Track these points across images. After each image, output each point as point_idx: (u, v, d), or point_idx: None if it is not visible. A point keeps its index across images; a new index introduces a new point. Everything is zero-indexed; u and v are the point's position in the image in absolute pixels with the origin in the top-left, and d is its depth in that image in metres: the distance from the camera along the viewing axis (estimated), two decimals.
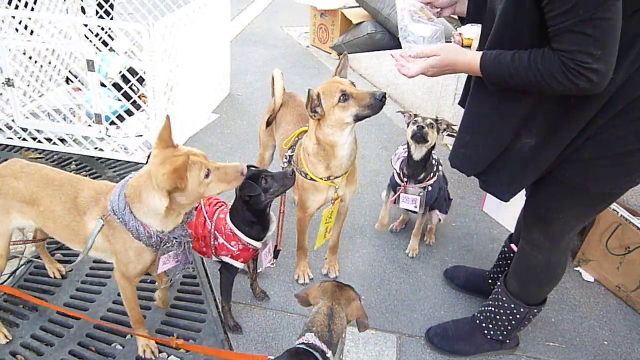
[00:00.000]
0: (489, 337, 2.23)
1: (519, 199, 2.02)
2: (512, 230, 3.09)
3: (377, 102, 2.03)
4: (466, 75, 1.84)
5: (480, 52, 1.59)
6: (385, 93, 2.04)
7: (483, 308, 2.26)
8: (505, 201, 1.87)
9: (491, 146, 1.75)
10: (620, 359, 2.32)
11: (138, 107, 3.49)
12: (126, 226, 1.79)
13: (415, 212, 2.74)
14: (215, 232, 2.10)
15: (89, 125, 3.34)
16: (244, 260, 2.13)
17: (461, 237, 3.06)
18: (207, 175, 1.73)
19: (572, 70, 1.39)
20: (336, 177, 2.27)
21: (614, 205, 2.61)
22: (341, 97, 2.05)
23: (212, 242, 2.11)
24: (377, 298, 2.56)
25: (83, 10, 4.48)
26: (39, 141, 3.48)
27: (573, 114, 1.58)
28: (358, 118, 2.08)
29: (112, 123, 3.60)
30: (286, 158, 2.44)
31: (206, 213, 2.14)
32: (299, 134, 2.44)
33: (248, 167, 1.93)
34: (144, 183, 1.74)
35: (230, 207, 2.13)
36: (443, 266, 2.79)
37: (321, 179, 2.26)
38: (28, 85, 3.66)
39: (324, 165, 2.23)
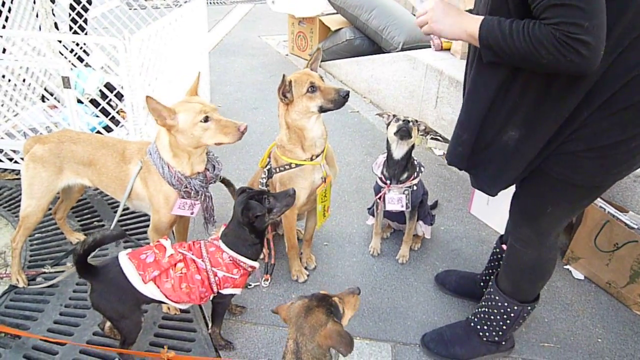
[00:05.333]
0: (484, 339, 2.21)
1: (506, 200, 2.01)
2: (500, 231, 3.09)
3: (341, 99, 2.23)
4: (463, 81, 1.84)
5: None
6: (348, 92, 2.24)
7: (477, 310, 2.24)
8: (493, 196, 1.89)
9: (478, 140, 1.76)
10: (615, 355, 2.32)
11: (117, 123, 3.42)
12: (155, 165, 2.13)
13: (402, 211, 2.70)
14: (213, 268, 1.98)
15: None
16: (243, 285, 2.09)
17: (450, 240, 3.05)
18: (205, 120, 2.01)
19: (562, 41, 1.35)
20: (317, 156, 2.38)
21: (601, 203, 2.62)
22: (310, 88, 2.23)
23: (213, 280, 1.99)
24: (370, 307, 2.52)
25: (56, 26, 4.39)
26: (16, 162, 3.39)
27: (554, 105, 1.58)
28: (322, 109, 2.27)
29: None
30: (264, 174, 2.48)
31: (193, 255, 2.00)
32: (269, 152, 2.52)
33: (247, 189, 2.04)
34: None
35: (224, 237, 2.05)
36: (433, 271, 2.77)
37: (304, 160, 2.36)
38: (2, 105, 3.57)
39: (300, 148, 2.36)
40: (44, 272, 2.56)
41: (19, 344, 2.18)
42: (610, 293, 2.66)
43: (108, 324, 2.19)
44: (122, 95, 3.03)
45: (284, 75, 2.24)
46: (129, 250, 1.97)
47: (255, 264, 2.07)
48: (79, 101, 3.19)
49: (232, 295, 2.10)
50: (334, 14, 5.64)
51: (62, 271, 2.50)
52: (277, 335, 2.32)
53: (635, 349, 2.35)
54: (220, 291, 2.02)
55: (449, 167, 3.76)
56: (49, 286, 2.45)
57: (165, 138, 2.10)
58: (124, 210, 2.39)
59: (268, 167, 2.49)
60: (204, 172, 2.21)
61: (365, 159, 3.89)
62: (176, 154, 2.11)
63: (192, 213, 2.25)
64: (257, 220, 2.00)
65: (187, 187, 2.16)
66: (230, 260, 2.00)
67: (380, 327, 2.41)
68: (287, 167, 2.38)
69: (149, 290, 1.88)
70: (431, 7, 1.63)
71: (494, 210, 3.08)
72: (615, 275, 2.60)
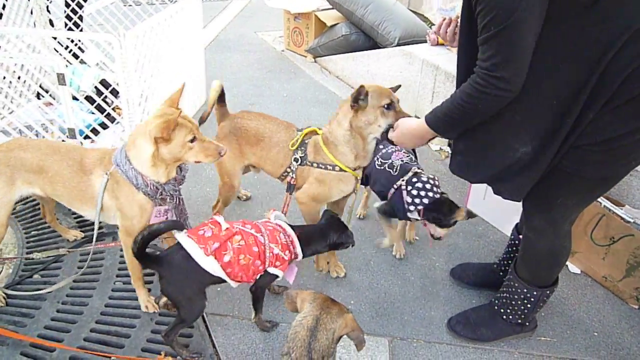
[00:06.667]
0: (508, 321, 2.27)
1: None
2: (497, 226, 3.10)
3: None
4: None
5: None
6: None
7: (499, 295, 2.31)
8: (519, 201, 1.96)
9: (487, 159, 1.85)
10: (611, 349, 2.33)
11: (113, 120, 3.41)
12: (126, 176, 2.03)
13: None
14: (270, 244, 2.08)
15: (63, 141, 3.25)
16: (285, 269, 2.18)
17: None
18: (192, 141, 2.02)
19: (480, 81, 1.57)
20: (360, 168, 2.40)
21: None
22: (386, 105, 2.19)
23: (268, 254, 2.08)
24: (367, 302, 2.53)
25: (51, 23, 4.37)
26: None
27: (561, 115, 1.63)
28: (384, 131, 2.22)
29: (87, 137, 3.51)
30: (296, 161, 2.42)
31: (251, 229, 2.10)
32: (305, 135, 2.45)
33: (332, 216, 2.33)
34: (139, 131, 2.03)
35: (301, 226, 2.28)
36: (430, 266, 2.78)
37: (350, 168, 2.34)
38: None
39: (354, 155, 2.32)
40: (33, 259, 2.54)
41: (16, 341, 2.17)
42: (606, 287, 2.67)
43: (164, 299, 2.32)
44: (118, 92, 3.02)
45: (362, 86, 2.19)
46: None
47: (300, 255, 2.20)
48: (75, 98, 3.18)
49: (274, 278, 2.17)
50: (329, 9, 5.63)
51: (54, 256, 2.48)
52: (274, 331, 2.32)
53: (632, 342, 2.37)
54: (267, 269, 2.10)
55: (445, 161, 3.77)
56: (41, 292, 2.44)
57: (149, 149, 2.00)
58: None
59: (301, 154, 2.41)
60: (174, 177, 2.19)
61: None
62: (155, 164, 2.05)
63: (167, 219, 2.23)
64: (338, 245, 2.30)
65: (162, 195, 2.12)
66: (286, 241, 2.14)
67: (377, 321, 2.42)
68: (329, 167, 2.34)
69: (210, 265, 1.95)
70: (395, 135, 2.09)
71: (490, 205, 3.09)
72: (611, 269, 2.61)
